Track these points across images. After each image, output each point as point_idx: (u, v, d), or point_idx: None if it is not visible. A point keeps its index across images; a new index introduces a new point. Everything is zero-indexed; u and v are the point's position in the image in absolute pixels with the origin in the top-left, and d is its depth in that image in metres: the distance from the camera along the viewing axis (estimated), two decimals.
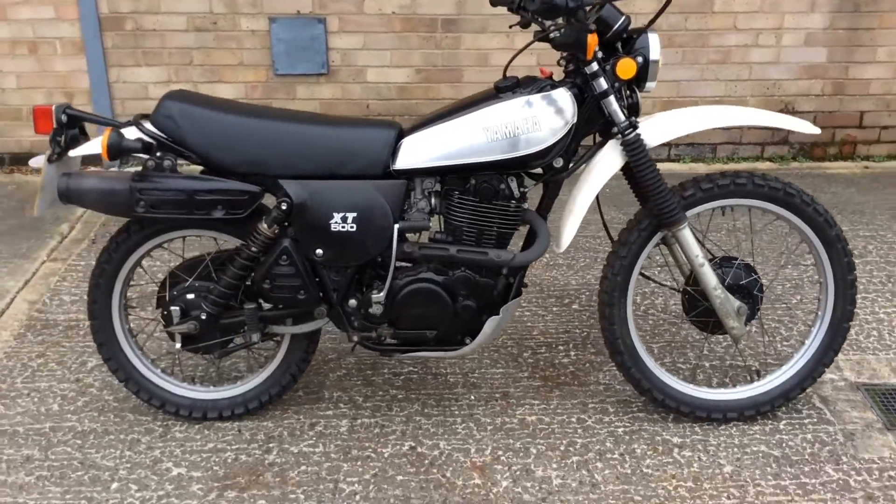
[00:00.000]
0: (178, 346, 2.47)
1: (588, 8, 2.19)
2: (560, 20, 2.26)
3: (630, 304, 2.46)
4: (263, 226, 2.30)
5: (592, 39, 2.16)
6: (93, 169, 2.46)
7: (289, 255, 2.32)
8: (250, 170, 2.30)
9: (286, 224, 2.33)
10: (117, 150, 2.22)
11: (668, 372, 2.57)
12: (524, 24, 2.47)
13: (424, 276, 2.37)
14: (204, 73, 4.41)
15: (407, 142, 2.31)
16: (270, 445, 2.49)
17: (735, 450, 2.45)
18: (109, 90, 4.39)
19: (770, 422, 2.56)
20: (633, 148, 2.28)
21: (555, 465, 2.40)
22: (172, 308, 2.43)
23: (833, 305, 2.48)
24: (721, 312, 2.41)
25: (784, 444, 2.47)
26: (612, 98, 2.26)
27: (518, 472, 2.37)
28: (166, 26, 4.31)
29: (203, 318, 2.39)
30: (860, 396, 2.69)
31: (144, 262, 2.57)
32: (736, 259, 2.49)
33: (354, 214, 2.30)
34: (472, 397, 2.70)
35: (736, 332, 2.43)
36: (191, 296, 2.44)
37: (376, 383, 2.77)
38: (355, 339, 2.43)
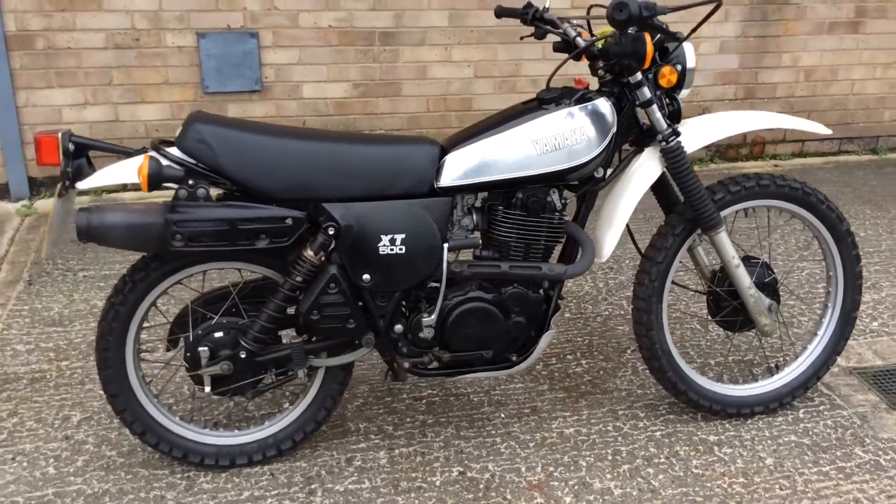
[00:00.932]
0: (207, 389, 2.26)
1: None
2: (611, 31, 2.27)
3: (665, 310, 2.50)
4: (309, 253, 2.16)
5: (650, 48, 2.18)
6: (111, 202, 2.21)
7: (337, 282, 2.19)
8: (294, 194, 2.14)
9: (332, 250, 2.19)
10: (157, 180, 2.02)
11: (699, 373, 2.63)
12: (539, 36, 2.46)
13: (475, 296, 2.30)
14: (125, 94, 4.09)
15: (451, 158, 2.23)
16: (312, 487, 2.33)
17: (769, 442, 2.54)
18: (18, 115, 3.99)
19: (790, 412, 2.67)
20: (675, 154, 2.32)
21: (609, 476, 2.39)
22: (200, 349, 2.23)
23: (843, 296, 2.62)
24: (754, 311, 2.49)
25: (810, 433, 2.58)
26: (655, 106, 2.29)
27: (577, 487, 2.34)
28: (82, 44, 3.97)
29: (242, 356, 2.21)
30: (856, 381, 2.85)
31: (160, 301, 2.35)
32: (758, 259, 2.58)
33: (403, 236, 2.20)
34: (503, 415, 2.65)
35: (768, 329, 2.52)
36: (219, 334, 2.25)
37: (399, 410, 2.66)
38: (406, 365, 2.33)
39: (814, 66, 4.86)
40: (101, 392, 2.68)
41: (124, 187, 4.18)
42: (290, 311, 2.25)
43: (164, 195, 4.10)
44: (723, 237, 2.42)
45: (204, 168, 2.09)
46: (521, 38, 2.59)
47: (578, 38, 2.33)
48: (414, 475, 2.38)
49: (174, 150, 2.14)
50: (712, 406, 2.58)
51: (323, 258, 2.17)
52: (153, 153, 2.10)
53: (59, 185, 2.09)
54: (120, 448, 2.46)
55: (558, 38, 2.44)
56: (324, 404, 2.39)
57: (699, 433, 2.57)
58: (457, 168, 2.23)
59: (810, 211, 2.53)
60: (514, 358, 2.39)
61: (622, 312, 3.31)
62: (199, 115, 2.16)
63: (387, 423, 2.60)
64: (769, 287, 2.53)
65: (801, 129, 2.48)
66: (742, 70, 4.79)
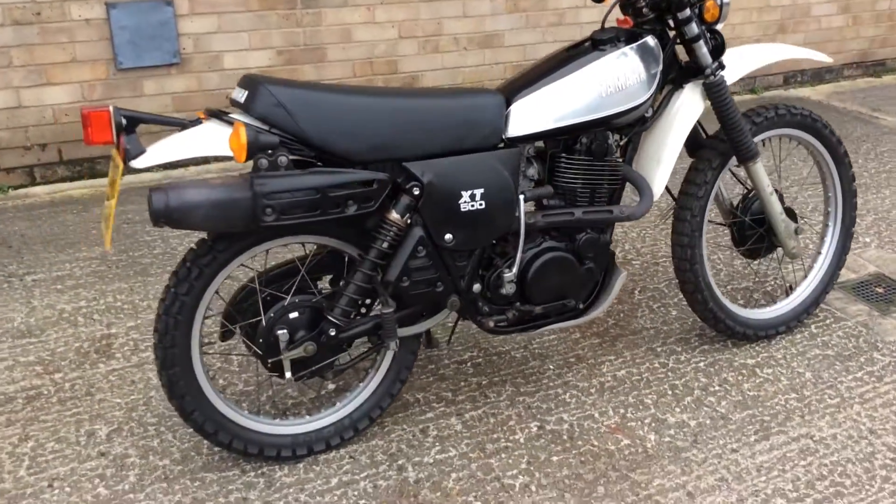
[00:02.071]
0: (288, 375, 2.08)
1: None
2: None
3: (705, 243, 2.57)
4: (395, 216, 2.02)
5: None
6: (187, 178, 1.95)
7: (424, 244, 2.07)
8: (377, 156, 1.99)
9: (415, 211, 2.07)
10: (255, 149, 1.81)
11: (731, 301, 2.73)
12: None
13: (551, 245, 2.26)
14: (28, 76, 3.62)
15: (517, 107, 2.16)
16: (400, 462, 2.21)
17: (800, 358, 2.69)
18: None
19: (804, 329, 2.84)
20: (720, 88, 2.37)
21: (678, 409, 2.44)
22: (279, 332, 2.04)
23: (843, 214, 2.81)
24: (785, 235, 2.62)
25: (830, 345, 2.77)
26: (702, 41, 2.33)
27: (653, 424, 2.38)
28: None
29: (332, 333, 2.04)
30: (842, 294, 3.09)
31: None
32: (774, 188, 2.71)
33: (482, 191, 2.11)
34: (552, 367, 2.63)
35: (795, 252, 2.66)
36: (294, 314, 2.07)
37: (448, 376, 2.58)
38: (491, 324, 2.24)
39: None
40: (123, 399, 2.41)
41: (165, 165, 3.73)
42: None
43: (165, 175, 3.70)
44: (759, 166, 2.52)
45: (283, 133, 1.91)
46: None
47: None
48: (495, 436, 2.33)
49: (240, 116, 1.94)
50: (746, 332, 2.70)
51: (408, 221, 2.05)
52: (237, 118, 1.89)
53: (117, 166, 1.83)
54: (170, 455, 2.22)
55: None
56: (398, 376, 2.26)
57: (737, 359, 2.68)
58: (525, 117, 2.16)
59: (816, 137, 2.68)
60: (580, 306, 2.38)
61: (620, 254, 3.36)
62: (265, 78, 1.95)
63: (443, 391, 2.51)
64: (790, 212, 2.67)
65: (812, 59, 2.61)
66: None
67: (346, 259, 2.17)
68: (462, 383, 2.55)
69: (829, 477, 2.17)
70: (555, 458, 2.24)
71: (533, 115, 2.16)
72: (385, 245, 2.03)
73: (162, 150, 1.86)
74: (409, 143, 2.03)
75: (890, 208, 3.86)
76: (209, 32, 3.89)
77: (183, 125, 1.92)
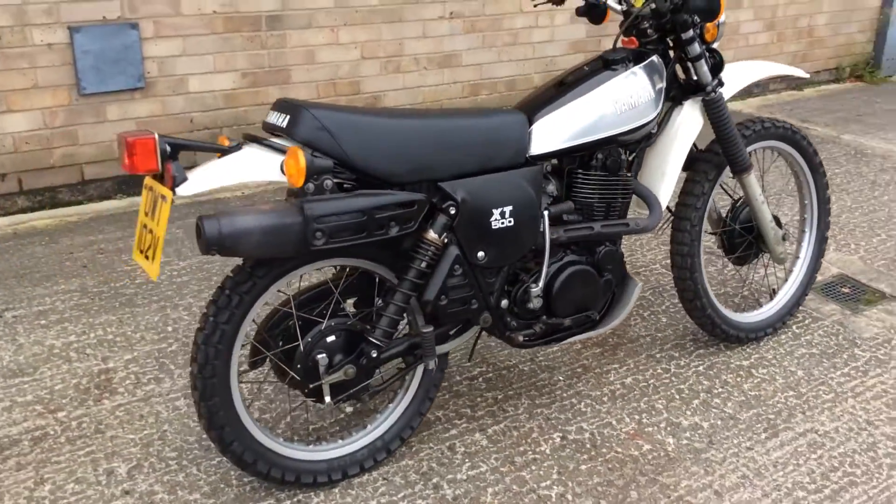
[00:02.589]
0: (327, 399, 2.06)
1: None
2: None
3: (702, 252, 2.68)
4: (432, 235, 2.04)
5: (723, 3, 2.30)
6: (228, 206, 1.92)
7: (461, 263, 2.09)
8: (415, 177, 2.01)
9: (451, 230, 2.09)
10: (312, 173, 1.80)
11: (726, 306, 2.85)
12: (557, 1, 2.51)
13: (573, 259, 2.32)
14: None
15: (539, 126, 2.22)
16: (434, 481, 2.22)
17: (790, 358, 2.83)
18: None
19: (787, 330, 2.99)
20: (718, 105, 2.49)
21: (688, 413, 2.53)
22: (318, 357, 2.03)
23: (818, 219, 2.98)
24: (773, 241, 2.75)
25: (813, 344, 2.92)
26: (703, 60, 2.44)
27: (669, 428, 2.46)
28: None
29: (374, 355, 2.04)
30: (812, 295, 3.26)
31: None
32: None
33: (511, 208, 2.15)
34: (562, 378, 2.68)
35: (782, 257, 2.80)
36: (332, 337, 2.06)
37: (463, 392, 2.60)
38: (520, 338, 2.28)
39: None
40: (136, 435, 2.34)
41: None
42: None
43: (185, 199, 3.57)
44: (752, 178, 2.65)
45: (326, 158, 1.91)
46: (535, 6, 2.59)
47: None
48: (521, 449, 2.36)
49: (282, 141, 1.93)
50: (738, 335, 2.82)
51: (445, 240, 2.07)
52: (281, 143, 1.88)
53: (162, 196, 1.79)
54: (199, 489, 2.17)
55: (581, 2, 2.51)
56: (428, 395, 2.28)
57: (732, 361, 2.80)
58: (547, 135, 2.22)
59: (795, 148, 2.83)
60: (596, 317, 2.45)
61: None
62: (305, 102, 1.95)
63: (461, 407, 2.53)
64: (775, 219, 2.81)
65: (793, 74, 2.77)
66: (588, 38, 5.14)
67: (378, 280, 2.17)
68: (478, 399, 2.58)
69: (840, 468, 2.30)
70: (583, 467, 2.30)
71: (554, 133, 2.22)
72: (423, 265, 2.05)
73: (206, 177, 1.84)
74: (443, 164, 2.06)
75: (839, 213, 4.10)
76: (174, 56, 3.82)
77: (223, 151, 1.90)
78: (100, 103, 3.72)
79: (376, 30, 4.32)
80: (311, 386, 2.05)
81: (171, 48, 3.81)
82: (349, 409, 2.49)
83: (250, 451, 2.05)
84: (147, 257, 1.87)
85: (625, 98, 2.30)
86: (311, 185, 1.87)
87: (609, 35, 5.17)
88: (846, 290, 3.31)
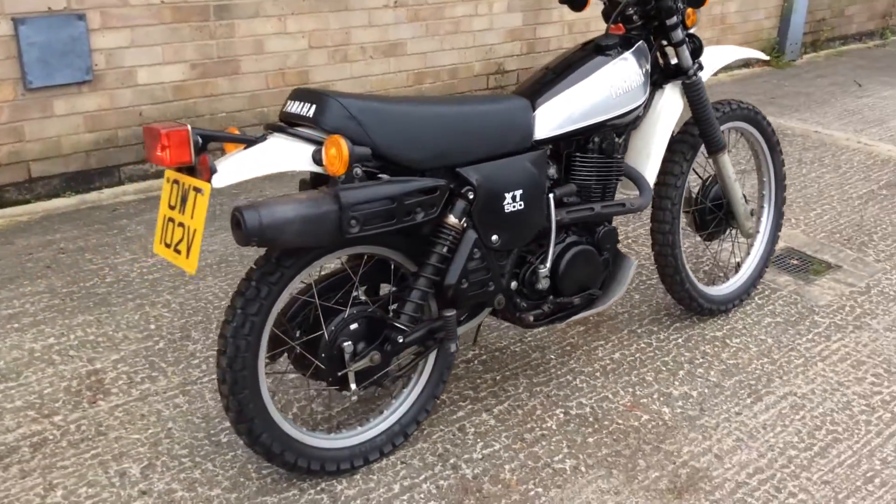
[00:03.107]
0: (353, 386, 2.07)
1: None
2: None
3: (681, 230, 2.81)
4: (453, 220, 2.08)
5: None
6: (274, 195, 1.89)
7: (479, 246, 2.14)
8: (437, 163, 2.05)
9: (468, 214, 2.13)
10: (353, 161, 1.81)
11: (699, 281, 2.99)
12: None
13: (575, 240, 2.39)
14: None
15: (542, 111, 2.28)
16: (452, 461, 2.27)
17: (758, 327, 2.99)
18: None
19: (750, 302, 3.16)
20: (698, 87, 2.61)
21: (677, 383, 2.66)
22: (344, 345, 2.04)
23: (776, 195, 3.15)
24: (744, 217, 2.90)
25: (776, 313, 3.10)
26: (685, 45, 2.54)
27: (662, 398, 2.58)
28: None
29: (400, 340, 2.06)
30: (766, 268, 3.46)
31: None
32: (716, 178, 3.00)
33: (521, 191, 2.21)
34: (553, 357, 2.77)
35: (751, 231, 2.95)
36: (354, 325, 2.07)
37: (461, 375, 2.65)
38: (531, 319, 2.33)
39: (573, 20, 5.48)
40: (142, 435, 2.30)
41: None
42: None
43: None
44: (727, 157, 2.78)
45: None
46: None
47: None
48: (529, 426, 2.43)
49: (309, 131, 1.92)
50: (710, 307, 2.97)
51: (464, 224, 2.11)
52: (307, 132, 1.87)
53: (197, 189, 1.76)
54: (219, 484, 2.14)
55: None
56: (441, 378, 2.32)
57: (706, 332, 2.95)
58: (550, 119, 2.29)
59: (757, 128, 3.00)
60: (598, 294, 2.52)
61: None
62: (329, 91, 1.95)
63: (464, 389, 2.58)
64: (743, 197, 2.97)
65: (756, 57, 2.92)
66: (524, 27, 5.23)
67: (392, 267, 2.19)
68: (478, 380, 2.63)
69: (822, 427, 2.46)
70: (590, 440, 2.39)
71: (556, 117, 2.29)
72: (445, 249, 2.09)
73: (238, 168, 1.82)
74: (460, 150, 2.10)
75: None
76: (122, 47, 3.69)
77: (249, 141, 1.88)
78: (46, 98, 3.56)
79: (323, 18, 4.29)
80: (338, 374, 2.06)
81: (119, 40, 3.68)
82: (354, 398, 2.50)
83: (278, 441, 2.04)
84: (178, 251, 1.84)
85: (619, 83, 2.39)
86: (357, 171, 1.88)
87: (543, 24, 5.29)
88: (795, 262, 3.52)
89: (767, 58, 3.02)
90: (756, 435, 2.42)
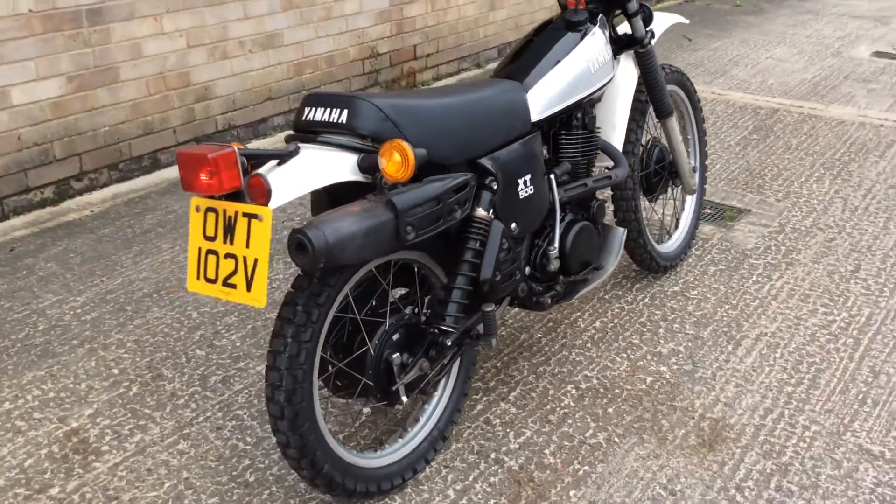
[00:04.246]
0: (405, 398, 1.98)
1: None
2: None
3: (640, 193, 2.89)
4: (482, 212, 2.03)
5: None
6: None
7: (507, 237, 2.09)
8: (462, 157, 1.98)
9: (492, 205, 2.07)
10: (418, 166, 1.69)
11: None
12: None
13: (575, 218, 2.40)
14: None
15: (533, 92, 2.27)
16: (493, 455, 2.24)
17: (708, 277, 3.15)
18: None
19: (690, 254, 3.32)
20: (650, 55, 2.67)
21: (662, 342, 2.75)
22: (394, 357, 1.94)
23: (700, 152, 3.32)
24: (688, 175, 3.03)
25: (717, 262, 3.27)
26: (639, 16, 2.59)
27: (655, 358, 2.67)
28: None
29: (448, 343, 1.98)
30: None
31: None
32: (659, 139, 3.10)
33: (530, 176, 2.19)
34: (541, 335, 2.78)
35: (693, 188, 3.08)
36: (396, 335, 1.97)
37: None
38: (549, 300, 2.31)
39: None
40: (159, 491, 2.10)
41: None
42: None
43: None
44: (674, 120, 2.89)
45: None
46: None
47: None
48: (549, 407, 2.44)
49: (342, 138, 1.79)
50: (663, 264, 3.09)
51: (492, 216, 2.06)
52: (341, 140, 1.75)
53: (252, 216, 1.60)
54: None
55: None
56: (468, 374, 2.27)
57: (665, 289, 3.07)
58: (542, 100, 2.28)
59: (683, 90, 3.13)
60: (601, 267, 2.55)
61: None
62: (352, 94, 1.84)
63: (472, 382, 2.53)
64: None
65: (681, 22, 3.04)
66: (392, 8, 5.13)
67: (417, 270, 2.11)
68: (481, 370, 2.60)
69: (802, 360, 2.65)
70: (610, 410, 2.43)
71: (547, 97, 2.29)
72: (478, 244, 2.03)
73: (287, 187, 1.67)
74: (479, 140, 2.05)
75: None
76: None
77: (282, 156, 1.73)
78: None
79: (199, 15, 4.00)
80: (392, 389, 1.96)
81: None
82: (366, 410, 2.40)
83: (339, 471, 1.93)
84: (231, 286, 1.67)
85: (595, 57, 2.41)
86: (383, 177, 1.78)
87: (408, 3, 5.22)
88: (709, 211, 3.74)
89: (687, 21, 3.16)
90: (751, 378, 2.57)
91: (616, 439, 2.32)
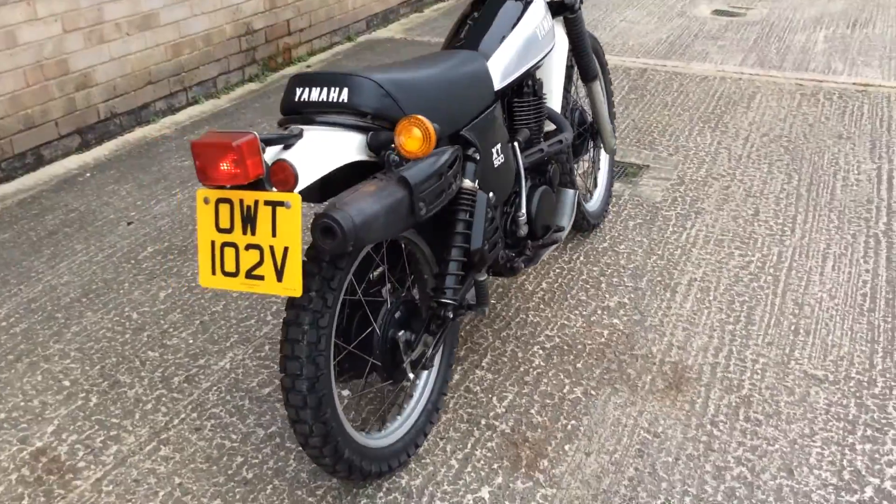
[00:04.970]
0: (411, 376, 1.98)
1: None
2: None
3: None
4: (469, 183, 2.04)
5: None
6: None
7: (490, 206, 2.11)
8: (449, 129, 1.98)
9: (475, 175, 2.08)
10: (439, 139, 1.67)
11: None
12: None
13: (535, 183, 2.45)
14: None
15: (493, 61, 2.29)
16: (483, 422, 2.29)
17: (629, 232, 3.32)
18: None
19: (612, 210, 3.47)
20: (579, 20, 2.75)
21: (607, 295, 2.88)
22: (400, 334, 1.92)
23: (611, 114, 3.45)
24: (609, 136, 3.15)
25: (633, 216, 3.45)
26: None
27: (605, 312, 2.79)
28: None
29: (450, 315, 1.98)
30: None
31: None
32: (577, 102, 3.20)
33: (500, 145, 2.23)
34: (494, 301, 2.85)
35: (615, 147, 3.21)
36: (398, 313, 1.96)
37: None
38: (522, 265, 2.35)
39: None
40: (155, 502, 1.96)
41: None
42: None
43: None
44: (598, 84, 2.99)
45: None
46: None
47: None
48: (522, 369, 2.52)
49: (339, 117, 1.75)
50: (592, 222, 3.22)
51: (476, 186, 2.07)
52: (341, 120, 1.71)
53: (277, 204, 1.53)
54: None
55: None
56: (452, 345, 2.29)
57: (595, 245, 3.21)
58: (502, 69, 2.31)
59: (596, 54, 3.25)
60: (563, 228, 2.61)
61: None
62: (347, 70, 1.80)
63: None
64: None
65: None
66: None
67: (404, 247, 2.09)
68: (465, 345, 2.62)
69: (734, 300, 2.86)
70: (579, 365, 2.54)
71: (505, 66, 2.32)
72: (468, 215, 2.05)
73: (308, 171, 1.61)
74: (462, 112, 2.07)
75: None
76: None
77: (286, 139, 1.67)
78: None
79: None
80: (401, 367, 1.95)
81: None
82: (346, 393, 2.37)
83: (357, 455, 1.91)
84: (257, 277, 1.59)
85: (539, 23, 2.47)
86: (395, 157, 1.75)
87: None
88: (614, 169, 3.91)
89: None
90: (694, 321, 2.75)
91: (592, 392, 2.43)
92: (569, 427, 2.29)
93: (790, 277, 2.99)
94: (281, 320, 2.72)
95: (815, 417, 2.32)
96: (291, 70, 5.33)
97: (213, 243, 1.65)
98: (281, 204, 1.58)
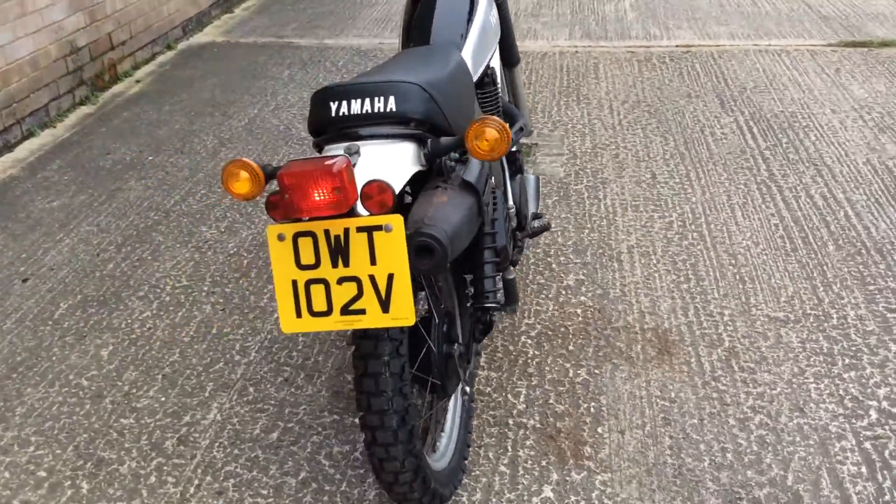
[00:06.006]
0: (469, 390, 1.89)
1: None
2: None
3: None
4: (491, 181, 1.94)
5: None
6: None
7: (498, 202, 2.03)
8: (461, 126, 1.87)
9: None
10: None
11: None
12: None
13: (511, 172, 2.39)
14: None
15: (465, 54, 2.21)
16: (511, 421, 2.26)
17: (551, 209, 3.35)
18: None
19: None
20: (506, 5, 2.72)
21: (563, 275, 2.92)
22: (454, 349, 1.86)
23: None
24: (528, 119, 3.15)
25: (548, 194, 3.49)
26: None
27: (568, 292, 2.83)
28: None
29: (495, 319, 1.90)
30: None
31: None
32: None
33: None
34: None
35: (532, 129, 3.22)
36: (445, 326, 1.87)
37: None
38: (518, 257, 2.29)
39: None
40: None
41: None
42: None
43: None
44: (520, 68, 2.98)
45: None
46: None
47: None
48: (520, 362, 2.51)
49: (386, 128, 1.62)
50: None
51: (494, 184, 2.00)
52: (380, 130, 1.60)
53: (375, 228, 1.39)
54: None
55: None
56: (474, 349, 2.20)
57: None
58: (473, 61, 2.26)
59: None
60: (542, 215, 2.58)
61: None
62: (389, 79, 1.71)
63: None
64: None
65: None
66: None
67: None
68: None
69: (675, 260, 3.00)
70: (571, 348, 2.55)
71: (474, 57, 2.28)
72: (494, 214, 1.97)
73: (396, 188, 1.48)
74: (468, 108, 1.99)
75: None
76: None
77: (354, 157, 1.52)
78: None
79: None
80: (461, 381, 1.86)
81: None
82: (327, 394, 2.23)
83: (437, 482, 1.81)
84: (358, 312, 1.44)
85: (490, 11, 2.44)
86: (450, 162, 1.66)
87: None
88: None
89: None
90: (652, 285, 2.85)
91: (596, 371, 2.46)
92: (592, 409, 2.30)
93: (713, 231, 3.18)
94: (319, 354, 2.50)
95: (796, 356, 2.50)
96: (119, 87, 4.88)
97: (294, 283, 1.47)
98: (378, 228, 1.45)
